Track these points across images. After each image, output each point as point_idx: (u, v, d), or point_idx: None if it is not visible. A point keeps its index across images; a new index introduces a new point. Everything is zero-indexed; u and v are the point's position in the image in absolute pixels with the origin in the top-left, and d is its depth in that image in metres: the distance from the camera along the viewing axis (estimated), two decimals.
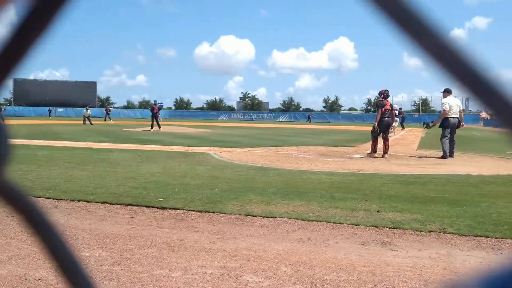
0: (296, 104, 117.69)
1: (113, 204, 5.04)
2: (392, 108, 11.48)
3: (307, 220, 4.44)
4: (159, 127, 23.97)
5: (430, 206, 5.07)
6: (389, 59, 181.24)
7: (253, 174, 7.59)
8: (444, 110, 11.48)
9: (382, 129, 11.23)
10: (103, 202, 5.10)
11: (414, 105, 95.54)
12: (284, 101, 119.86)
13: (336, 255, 3.42)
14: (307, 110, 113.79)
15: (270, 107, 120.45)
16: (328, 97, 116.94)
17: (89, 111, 34.83)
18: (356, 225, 4.26)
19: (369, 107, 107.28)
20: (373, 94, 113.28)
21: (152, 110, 24.38)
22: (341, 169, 8.48)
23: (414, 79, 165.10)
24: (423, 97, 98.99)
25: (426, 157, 11.72)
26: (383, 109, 11.15)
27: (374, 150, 11.22)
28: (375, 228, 4.19)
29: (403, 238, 3.89)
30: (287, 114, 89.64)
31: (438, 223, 4.29)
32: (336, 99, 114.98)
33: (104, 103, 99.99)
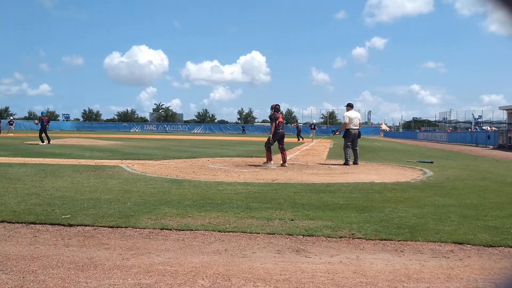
0: (211, 115, 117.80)
1: (13, 223, 4.61)
2: (283, 121, 12.53)
3: (224, 232, 4.41)
4: (49, 141, 22.15)
5: (340, 212, 5.30)
6: (299, 73, 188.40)
7: (168, 186, 7.41)
8: (345, 123, 12.99)
9: (277, 140, 12.19)
10: (2, 221, 4.65)
11: (322, 118, 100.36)
12: (199, 113, 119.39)
13: (252, 265, 3.43)
14: (222, 122, 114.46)
15: (185, 118, 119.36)
16: (242, 109, 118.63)
17: None
18: (272, 234, 4.31)
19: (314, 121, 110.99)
20: (285, 107, 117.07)
21: (42, 122, 22.42)
22: (256, 180, 8.58)
23: (321, 93, 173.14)
24: (330, 110, 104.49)
25: (334, 166, 12.31)
26: (277, 122, 12.13)
27: (270, 159, 12.12)
28: (290, 236, 4.27)
29: (316, 244, 4.01)
30: (202, 125, 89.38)
31: (347, 229, 4.49)
32: (250, 111, 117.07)
33: (3, 113, 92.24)
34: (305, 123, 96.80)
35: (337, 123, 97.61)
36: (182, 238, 4.21)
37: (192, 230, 4.47)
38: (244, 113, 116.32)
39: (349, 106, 13.16)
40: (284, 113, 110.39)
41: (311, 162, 13.79)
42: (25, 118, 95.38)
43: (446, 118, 76.15)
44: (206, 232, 4.40)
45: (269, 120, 12.74)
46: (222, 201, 6.05)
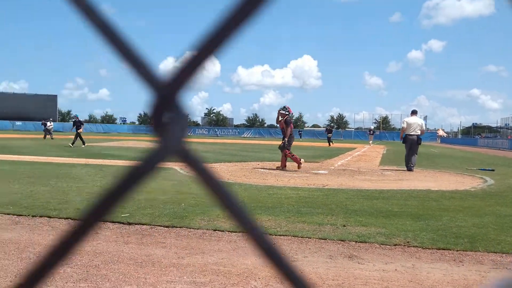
0: (260, 120, 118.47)
1: (77, 220, 4.89)
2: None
3: (275, 235, 4.45)
4: (73, 144, 22.64)
5: (394, 220, 5.20)
6: (351, 77, 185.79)
7: None
8: (402, 128, 13.04)
9: (291, 145, 12.09)
10: (67, 218, 4.95)
11: (375, 122, 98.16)
12: (248, 117, 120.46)
13: (304, 269, 3.45)
14: (272, 126, 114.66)
15: (235, 123, 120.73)
16: (292, 113, 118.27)
17: (51, 124, 33.67)
18: (323, 239, 4.31)
19: (332, 124, 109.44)
20: (335, 112, 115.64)
21: (76, 125, 23.15)
22: (306, 185, 8.57)
23: (374, 98, 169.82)
24: (384, 115, 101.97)
25: (387, 172, 12.04)
26: (292, 126, 12.20)
27: (299, 162, 11.97)
28: (342, 241, 4.25)
29: (369, 251, 3.96)
30: (252, 130, 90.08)
31: (402, 237, 4.40)
32: (300, 115, 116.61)
33: (65, 117, 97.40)
34: (357, 128, 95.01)
35: (390, 128, 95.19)
36: (235, 240, 4.29)
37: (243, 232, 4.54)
38: (294, 118, 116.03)
39: (413, 113, 13.19)
40: (334, 117, 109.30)
41: (363, 168, 13.56)
42: (86, 121, 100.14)
43: (508, 124, 72.29)
44: None
45: (280, 123, 12.32)
46: (273, 205, 6.10)
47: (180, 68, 0.22)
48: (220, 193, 0.26)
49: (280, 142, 12.39)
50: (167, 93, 0.23)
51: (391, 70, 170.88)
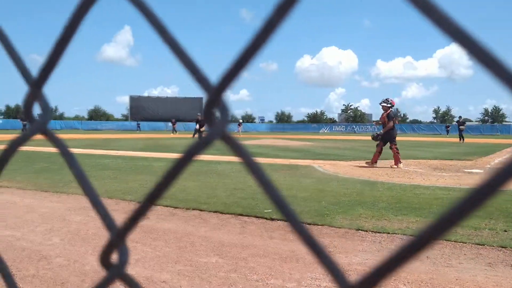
0: (402, 115, 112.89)
1: (224, 213, 5.27)
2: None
3: None
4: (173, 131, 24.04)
5: None
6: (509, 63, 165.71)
7: (361, 187, 7.42)
8: None
9: (389, 140, 11.46)
10: (216, 211, 5.36)
11: None
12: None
13: (460, 276, 3.21)
14: (415, 121, 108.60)
15: (374, 119, 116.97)
16: (438, 107, 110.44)
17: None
18: (481, 245, 3.95)
19: (486, 118, 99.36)
20: (490, 104, 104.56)
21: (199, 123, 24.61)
22: (458, 184, 7.93)
23: None
24: None
25: None
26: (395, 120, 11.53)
27: (399, 161, 11.33)
28: (503, 248, 3.85)
29: None
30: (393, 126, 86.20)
31: None
32: (448, 109, 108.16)
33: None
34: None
35: None
36: (379, 241, 4.19)
37: (389, 233, 4.41)
38: (440, 112, 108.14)
39: None
40: (489, 110, 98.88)
41: None
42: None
43: None
44: (404, 237, 4.29)
45: (382, 117, 11.74)
46: (420, 205, 5.78)
47: (225, 72, 0.27)
48: (259, 176, 0.30)
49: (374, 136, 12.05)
50: (215, 94, 0.28)
51: None
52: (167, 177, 0.28)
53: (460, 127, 32.20)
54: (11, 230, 4.45)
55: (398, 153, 11.41)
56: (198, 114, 26.39)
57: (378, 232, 4.44)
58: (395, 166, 11.25)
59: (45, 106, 0.36)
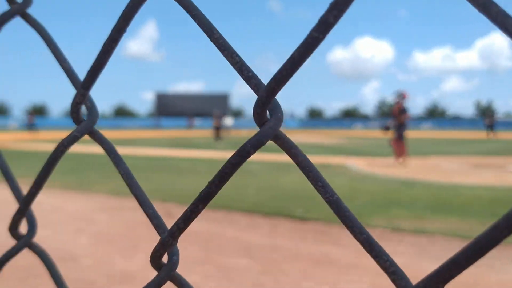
0: (441, 110, 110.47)
1: (254, 213, 5.29)
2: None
3: (466, 238, 4.13)
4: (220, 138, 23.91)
5: None
6: None
7: (397, 186, 7.32)
8: None
9: (402, 135, 11.43)
10: (245, 211, 5.38)
11: None
12: (426, 107, 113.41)
13: (503, 277, 3.13)
14: (455, 117, 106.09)
15: (411, 113, 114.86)
16: (479, 101, 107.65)
17: (229, 121, 37.09)
18: None
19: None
20: None
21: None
22: (502, 183, 7.72)
23: None
24: None
25: None
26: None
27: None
28: None
29: None
30: (431, 121, 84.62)
31: None
32: (490, 103, 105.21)
33: (239, 114, 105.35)
34: None
35: None
36: (418, 243, 4.12)
37: (428, 234, 4.33)
38: (481, 106, 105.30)
39: None
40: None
41: None
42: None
43: None
44: (445, 238, 4.21)
45: (398, 110, 11.70)
46: (461, 205, 5.66)
47: (276, 74, 0.27)
48: (310, 172, 0.31)
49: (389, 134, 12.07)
50: (267, 94, 0.29)
51: None
52: (220, 177, 0.29)
53: (488, 120, 31.46)
54: (39, 229, 4.60)
55: (393, 145, 11.58)
56: (215, 110, 26.40)
57: (417, 233, 4.37)
58: (400, 160, 11.35)
59: (91, 107, 0.38)
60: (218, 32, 0.31)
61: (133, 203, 5.92)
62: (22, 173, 9.08)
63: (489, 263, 3.49)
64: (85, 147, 18.70)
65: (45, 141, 23.25)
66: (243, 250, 3.93)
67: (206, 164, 11.24)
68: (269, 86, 0.26)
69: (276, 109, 0.28)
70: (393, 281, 0.29)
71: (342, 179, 8.26)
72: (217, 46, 0.31)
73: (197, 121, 77.10)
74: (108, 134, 0.40)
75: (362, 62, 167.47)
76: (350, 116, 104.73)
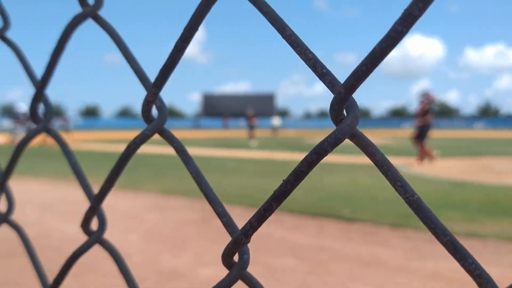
0: (494, 108, 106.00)
1: (301, 214, 5.26)
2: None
3: None
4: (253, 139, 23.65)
5: None
6: None
7: (448, 188, 7.08)
8: None
9: (425, 135, 11.26)
10: (292, 212, 5.37)
11: None
12: (479, 106, 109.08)
13: None
14: (509, 116, 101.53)
15: (462, 112, 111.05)
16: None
17: (278, 121, 37.12)
18: None
19: None
20: None
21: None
22: None
23: None
24: None
25: None
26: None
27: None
28: None
29: None
30: (484, 120, 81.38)
31: None
32: None
33: (285, 113, 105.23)
34: None
35: None
36: (470, 246, 3.97)
37: (481, 237, 4.17)
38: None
39: None
40: None
41: None
42: (302, 118, 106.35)
43: None
44: (498, 242, 4.04)
45: (423, 111, 11.39)
46: None
47: (356, 70, 0.27)
48: (389, 171, 0.30)
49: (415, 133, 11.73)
50: (346, 91, 0.28)
51: None
52: (296, 175, 0.28)
53: None
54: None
55: (419, 147, 11.27)
56: (249, 110, 26.31)
57: (469, 236, 4.21)
58: (420, 161, 11.15)
59: (161, 106, 0.39)
60: (290, 29, 0.31)
61: (181, 202, 6.04)
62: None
63: None
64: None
65: (96, 141, 24.13)
66: (290, 250, 3.92)
67: (252, 164, 11.30)
68: (348, 82, 0.26)
69: (353, 106, 0.28)
70: (479, 284, 0.28)
71: None
72: (289, 43, 0.31)
73: (241, 121, 77.65)
74: (155, 135, 0.41)
75: (412, 60, 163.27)
76: (399, 115, 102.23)
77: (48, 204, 5.98)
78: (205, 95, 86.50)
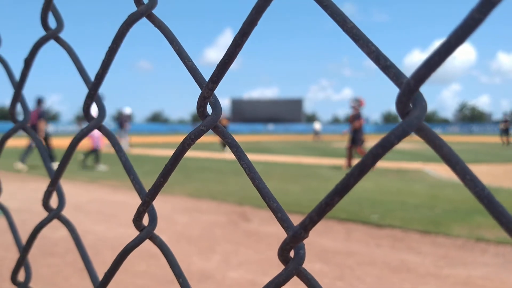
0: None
1: (329, 218, 5.22)
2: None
3: None
4: None
5: None
6: None
7: None
8: None
9: (359, 141, 11.24)
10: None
11: None
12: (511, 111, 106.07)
13: None
14: None
15: (495, 117, 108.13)
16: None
17: (319, 126, 37.43)
18: None
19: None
20: None
21: None
22: None
23: None
24: None
25: None
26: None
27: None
28: None
29: None
30: None
31: None
32: None
33: (311, 119, 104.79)
34: None
35: None
36: (503, 253, 3.86)
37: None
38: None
39: None
40: None
41: None
42: (327, 123, 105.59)
43: None
44: None
45: (354, 117, 11.45)
46: None
47: (427, 60, 0.25)
48: (457, 165, 0.28)
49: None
50: (415, 82, 0.26)
51: None
52: (360, 168, 0.28)
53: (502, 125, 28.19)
54: (124, 228, 4.85)
55: (360, 153, 11.09)
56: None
57: (502, 243, 4.09)
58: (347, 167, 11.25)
59: (215, 102, 0.40)
60: (351, 21, 0.31)
61: (209, 205, 6.08)
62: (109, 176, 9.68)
63: None
64: (161, 151, 19.48)
65: (129, 145, 24.53)
66: (318, 255, 3.89)
67: (280, 168, 11.28)
68: (418, 72, 0.25)
69: (420, 98, 0.27)
70: None
71: (420, 185, 7.93)
72: (350, 36, 0.31)
73: (270, 126, 77.64)
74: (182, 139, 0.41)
75: (443, 65, 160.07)
76: (428, 120, 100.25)
77: (79, 206, 6.11)
78: (233, 100, 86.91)
